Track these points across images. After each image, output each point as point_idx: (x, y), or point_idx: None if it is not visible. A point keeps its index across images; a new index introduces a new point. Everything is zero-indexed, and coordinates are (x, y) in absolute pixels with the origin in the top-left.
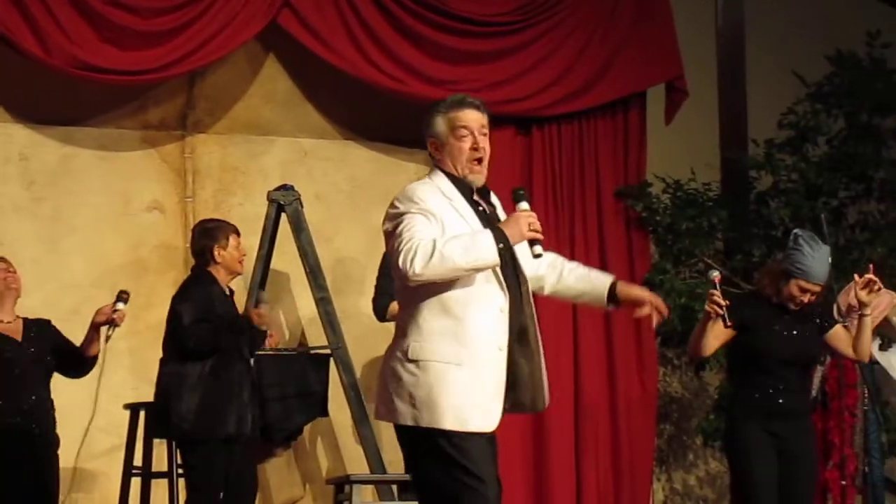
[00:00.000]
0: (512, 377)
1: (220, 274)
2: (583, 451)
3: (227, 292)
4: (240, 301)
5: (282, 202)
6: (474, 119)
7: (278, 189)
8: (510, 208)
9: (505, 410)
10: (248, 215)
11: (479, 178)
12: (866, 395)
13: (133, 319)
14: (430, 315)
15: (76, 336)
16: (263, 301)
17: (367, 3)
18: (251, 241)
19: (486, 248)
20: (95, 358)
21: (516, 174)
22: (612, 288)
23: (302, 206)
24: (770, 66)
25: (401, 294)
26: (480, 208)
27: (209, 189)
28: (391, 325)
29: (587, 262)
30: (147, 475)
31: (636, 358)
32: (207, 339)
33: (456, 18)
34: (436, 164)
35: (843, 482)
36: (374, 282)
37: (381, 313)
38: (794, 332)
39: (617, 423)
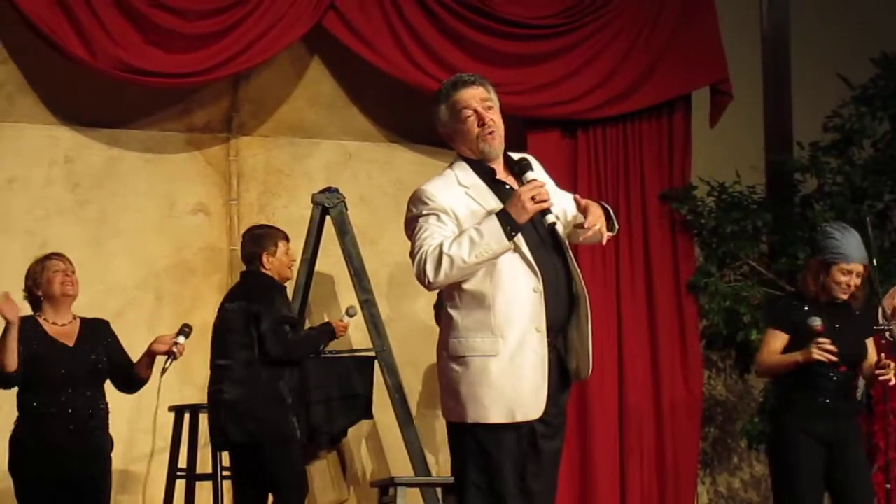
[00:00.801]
0: (563, 350)
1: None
2: (627, 455)
3: None
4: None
5: (326, 205)
6: (473, 96)
7: (323, 191)
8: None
9: (553, 390)
10: (293, 218)
11: (496, 147)
12: None
13: (177, 322)
14: (463, 310)
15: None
16: (350, 315)
17: (412, 5)
18: (296, 244)
19: (493, 237)
20: (146, 379)
21: (561, 177)
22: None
23: (346, 209)
24: (815, 69)
25: (439, 296)
26: (507, 187)
27: (254, 191)
28: (435, 328)
29: (632, 264)
30: (192, 478)
31: (680, 361)
32: (310, 347)
33: (501, 21)
34: (458, 153)
35: (888, 486)
36: (417, 285)
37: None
38: (842, 331)
39: (661, 427)
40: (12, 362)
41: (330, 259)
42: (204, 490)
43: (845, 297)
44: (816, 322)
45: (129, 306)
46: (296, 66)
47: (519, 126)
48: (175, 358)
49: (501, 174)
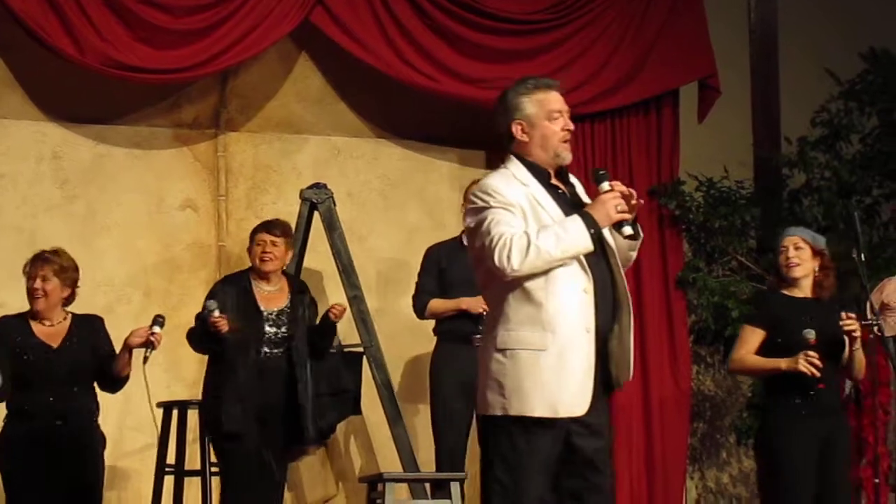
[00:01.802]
0: (604, 354)
1: (253, 273)
2: (616, 449)
3: (261, 289)
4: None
5: (314, 200)
6: (559, 100)
7: (311, 187)
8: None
9: (600, 397)
10: (281, 214)
11: (568, 157)
12: None
13: (166, 318)
14: (514, 304)
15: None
16: (209, 309)
17: (401, 1)
18: None
19: (578, 236)
20: (127, 377)
21: None
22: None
23: (335, 205)
24: (803, 64)
25: (487, 286)
26: (560, 191)
27: (242, 187)
28: (424, 324)
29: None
30: (180, 473)
31: (669, 356)
32: (189, 339)
33: (489, 16)
34: (512, 151)
35: (877, 480)
36: (407, 280)
37: (420, 311)
38: (820, 321)
39: (650, 422)
40: None
41: (318, 255)
42: (192, 486)
43: (794, 273)
44: (811, 335)
45: (117, 302)
46: (284, 62)
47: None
48: (154, 347)
49: (554, 179)
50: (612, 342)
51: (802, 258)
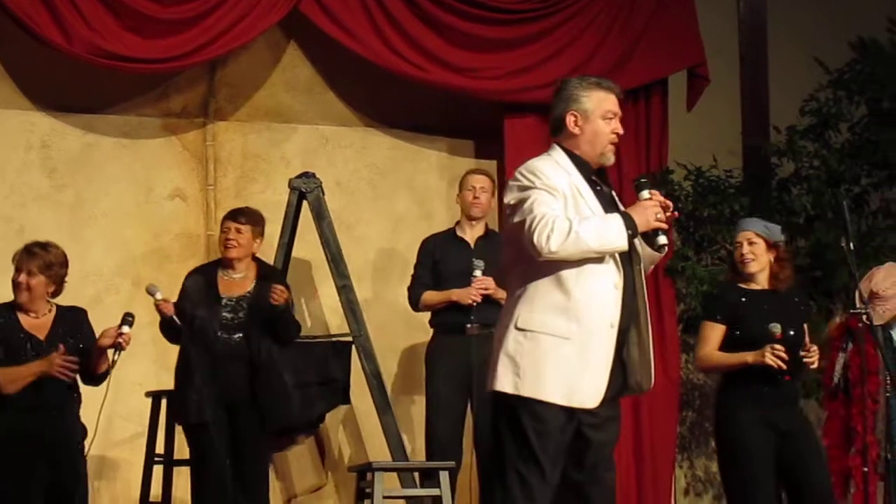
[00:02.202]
0: (622, 361)
1: (222, 261)
2: None
3: (227, 277)
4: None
5: (303, 189)
6: (616, 104)
7: (300, 176)
8: None
9: (613, 394)
10: (270, 203)
11: (611, 158)
12: (888, 381)
13: (154, 308)
14: (542, 288)
15: (97, 327)
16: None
17: None
18: (273, 229)
19: (616, 234)
20: (105, 374)
21: None
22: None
23: (323, 194)
24: (792, 53)
25: (515, 265)
26: (599, 188)
27: (231, 177)
28: (414, 313)
29: None
30: (169, 463)
31: (658, 345)
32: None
33: (478, 6)
34: (559, 140)
35: (866, 469)
36: (396, 269)
37: (415, 303)
38: (779, 313)
39: (639, 411)
40: None
41: (307, 244)
42: (182, 475)
43: (749, 268)
44: (777, 328)
45: (106, 292)
46: (272, 51)
47: (497, 110)
48: (122, 349)
49: (594, 176)
50: (632, 349)
51: (757, 253)
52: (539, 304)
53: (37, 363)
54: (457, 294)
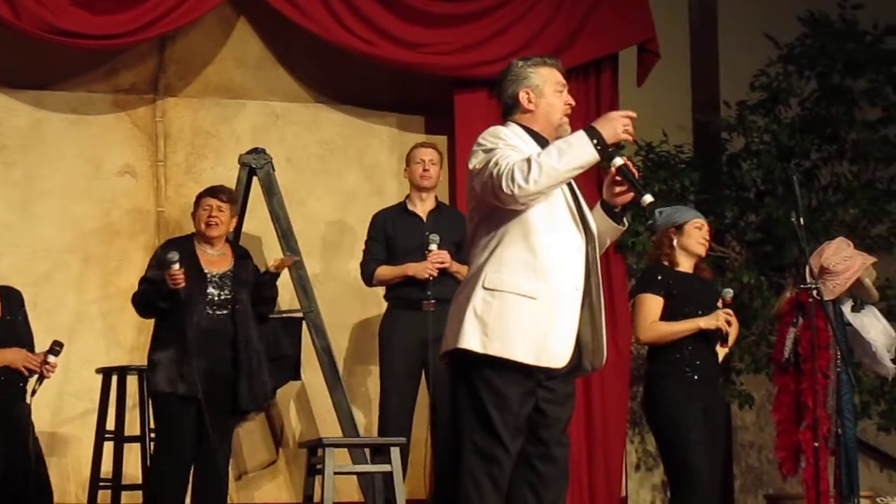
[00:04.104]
0: (577, 340)
1: (197, 237)
2: None
3: (205, 253)
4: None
5: (253, 165)
6: (562, 77)
7: (250, 152)
8: None
9: (570, 370)
10: (220, 179)
11: (568, 130)
12: (839, 356)
13: (105, 284)
14: (509, 249)
15: (48, 304)
16: (171, 260)
17: None
18: None
19: (581, 147)
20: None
21: None
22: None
23: (274, 170)
24: (742, 28)
25: (480, 229)
26: None
27: (181, 153)
28: (365, 288)
29: None
30: (120, 439)
31: (609, 320)
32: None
33: None
34: (513, 120)
35: (816, 444)
36: (347, 244)
37: (368, 278)
38: (704, 292)
39: (590, 386)
40: None
41: (257, 220)
42: (132, 452)
43: (704, 251)
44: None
45: (56, 269)
46: (222, 27)
47: (447, 86)
48: (46, 377)
49: None
50: (584, 328)
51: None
52: (506, 265)
53: (5, 352)
54: (413, 268)
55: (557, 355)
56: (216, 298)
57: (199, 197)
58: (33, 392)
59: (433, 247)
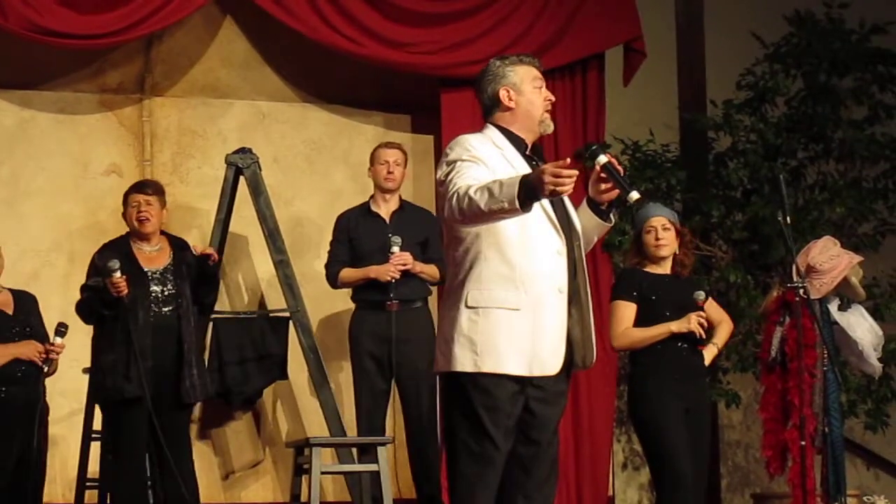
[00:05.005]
0: (568, 338)
1: (132, 236)
2: None
3: (142, 251)
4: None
5: (240, 165)
6: (540, 74)
7: (236, 152)
8: None
9: (563, 367)
10: (207, 178)
11: (551, 126)
12: (825, 355)
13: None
14: (486, 263)
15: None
16: (112, 268)
17: None
18: (209, 205)
19: (508, 196)
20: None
21: None
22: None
23: (260, 169)
24: (728, 27)
25: (453, 243)
26: (535, 163)
27: (167, 152)
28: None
29: None
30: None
31: (596, 318)
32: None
33: None
34: (492, 120)
35: (803, 442)
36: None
37: (332, 281)
38: (681, 297)
39: (577, 385)
40: None
41: (244, 219)
42: None
43: (662, 253)
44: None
45: (42, 268)
46: (209, 27)
47: (433, 85)
48: (53, 358)
49: (529, 152)
50: (573, 328)
51: (669, 238)
52: (486, 280)
53: (19, 345)
54: (374, 271)
55: (548, 362)
56: (160, 295)
57: (126, 195)
58: (47, 374)
59: (395, 249)
